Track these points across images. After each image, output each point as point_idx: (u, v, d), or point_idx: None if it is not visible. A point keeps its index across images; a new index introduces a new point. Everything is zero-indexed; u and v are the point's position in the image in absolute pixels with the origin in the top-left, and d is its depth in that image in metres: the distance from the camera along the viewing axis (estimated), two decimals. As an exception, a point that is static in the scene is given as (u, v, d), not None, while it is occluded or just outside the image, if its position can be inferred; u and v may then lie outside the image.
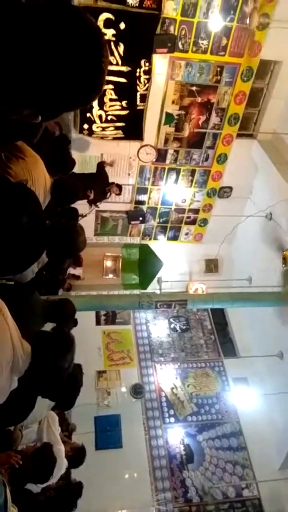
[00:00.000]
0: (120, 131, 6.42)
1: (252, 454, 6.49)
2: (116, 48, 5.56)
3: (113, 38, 5.45)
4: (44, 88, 0.77)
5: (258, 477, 6.28)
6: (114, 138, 6.50)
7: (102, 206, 6.77)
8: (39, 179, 2.52)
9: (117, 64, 5.67)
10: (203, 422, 6.75)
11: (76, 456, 3.52)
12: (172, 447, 6.46)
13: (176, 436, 6.56)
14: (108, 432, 6.27)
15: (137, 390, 6.90)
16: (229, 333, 8.17)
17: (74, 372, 2.00)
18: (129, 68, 5.77)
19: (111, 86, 5.87)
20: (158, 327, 7.97)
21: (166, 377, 7.20)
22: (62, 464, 3.10)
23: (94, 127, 6.29)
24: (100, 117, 6.18)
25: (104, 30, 5.35)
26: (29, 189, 1.48)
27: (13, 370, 1.38)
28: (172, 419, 6.74)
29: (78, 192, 3.27)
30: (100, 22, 5.27)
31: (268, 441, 6.45)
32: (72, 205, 5.28)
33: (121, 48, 5.58)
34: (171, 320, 8.10)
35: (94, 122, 6.22)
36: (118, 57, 5.63)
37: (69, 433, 4.52)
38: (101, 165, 6.32)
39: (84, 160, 6.59)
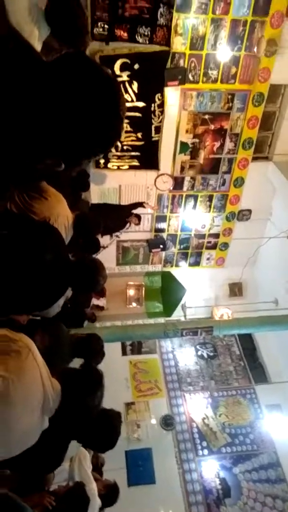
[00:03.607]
0: (135, 160, 6.57)
1: (292, 487, 6.15)
2: (131, 86, 5.79)
3: (128, 79, 5.69)
4: (67, 139, 0.81)
5: (301, 512, 5.92)
6: (130, 167, 6.64)
7: (123, 236, 6.87)
8: (61, 216, 2.59)
9: (132, 101, 5.88)
10: (238, 453, 6.47)
11: (109, 494, 3.42)
12: (207, 481, 6.19)
13: (210, 469, 6.29)
14: (140, 467, 6.08)
15: (167, 422, 6.71)
16: (258, 358, 7.93)
17: (114, 421, 1.99)
18: (143, 104, 5.96)
19: (126, 120, 6.06)
20: (185, 355, 7.82)
21: (196, 407, 6.99)
22: (95, 504, 3.02)
23: (109, 155, 6.46)
24: (115, 147, 6.36)
25: (120, 73, 5.61)
26: (52, 227, 1.52)
27: (44, 410, 1.38)
28: (206, 451, 6.49)
29: (99, 226, 3.34)
30: (116, 67, 5.53)
31: (309, 472, 6.11)
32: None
33: (135, 86, 5.80)
34: (198, 347, 7.94)
35: (110, 151, 6.39)
36: (132, 95, 5.85)
37: (99, 469, 4.41)
38: (140, 205, 6.50)
39: (103, 193, 6.75)
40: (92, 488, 3.08)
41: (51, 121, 0.78)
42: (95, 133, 0.81)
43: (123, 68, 5.61)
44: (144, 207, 6.58)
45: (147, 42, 5.51)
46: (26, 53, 0.82)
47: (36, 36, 1.89)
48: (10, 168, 0.85)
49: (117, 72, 5.60)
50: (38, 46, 1.91)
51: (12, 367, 1.25)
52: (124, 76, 5.67)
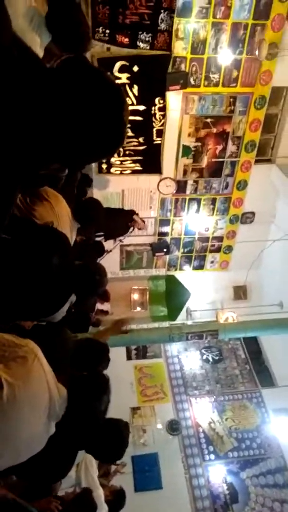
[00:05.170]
0: (138, 164, 6.58)
1: (300, 491, 6.08)
2: (131, 90, 5.80)
3: (128, 81, 5.70)
4: (71, 145, 0.81)
5: (309, 517, 5.85)
6: (133, 172, 6.65)
7: (126, 240, 6.87)
8: (63, 215, 2.59)
9: (132, 104, 5.90)
10: (245, 458, 6.42)
11: (116, 500, 3.40)
12: (214, 486, 6.14)
13: (218, 474, 6.24)
14: (147, 472, 6.04)
15: (173, 427, 6.67)
16: (264, 361, 7.89)
17: (122, 431, 1.98)
18: (144, 107, 5.98)
19: (128, 125, 6.07)
20: (190, 359, 7.79)
21: (202, 411, 6.95)
22: (102, 510, 3.00)
23: (112, 160, 6.47)
24: (118, 152, 6.37)
25: (118, 75, 5.62)
26: (57, 232, 1.52)
27: (50, 415, 1.38)
28: (212, 456, 6.44)
29: (99, 210, 3.33)
30: (115, 69, 5.55)
31: None
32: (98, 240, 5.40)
33: (136, 89, 5.81)
34: (203, 351, 7.91)
35: (113, 156, 6.41)
36: (133, 98, 5.86)
37: (107, 475, 4.38)
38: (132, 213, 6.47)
39: (106, 197, 6.76)
40: (99, 494, 3.06)
41: (56, 127, 0.78)
42: (99, 139, 0.81)
43: (122, 70, 5.62)
44: (134, 220, 6.50)
45: (148, 48, 5.54)
46: (30, 61, 0.83)
47: (37, 43, 1.90)
48: (16, 173, 0.85)
49: (116, 74, 5.62)
50: (40, 53, 1.92)
51: (18, 373, 1.24)
52: (124, 78, 5.68)
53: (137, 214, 6.41)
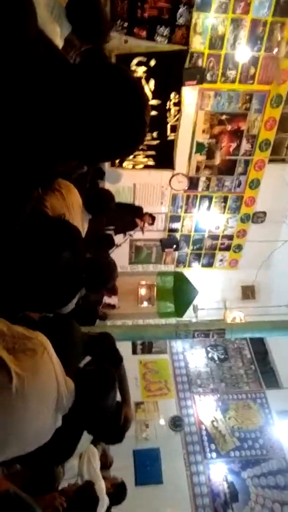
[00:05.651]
0: (151, 159, 6.56)
1: (301, 494, 6.06)
2: (147, 84, 5.77)
3: (144, 75, 5.67)
4: (92, 142, 0.81)
5: (309, 519, 5.84)
6: (145, 166, 6.63)
7: (136, 235, 6.87)
8: (75, 206, 2.59)
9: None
10: (247, 458, 6.41)
11: (117, 493, 3.43)
12: (215, 484, 6.15)
13: (219, 473, 6.25)
14: (148, 467, 6.07)
15: (176, 423, 6.69)
16: (270, 362, 7.85)
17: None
18: (159, 102, 5.94)
19: (142, 120, 6.05)
20: (196, 357, 7.78)
21: (205, 409, 6.95)
22: (103, 502, 3.02)
23: (124, 154, 6.45)
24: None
25: (135, 68, 5.59)
26: (69, 224, 1.52)
27: (58, 408, 1.38)
28: (214, 454, 6.44)
29: (111, 200, 3.32)
30: (133, 63, 5.52)
31: None
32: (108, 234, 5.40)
33: (152, 83, 5.78)
34: (209, 349, 7.90)
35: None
36: (149, 92, 5.82)
37: (108, 468, 4.40)
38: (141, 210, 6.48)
39: (118, 191, 6.75)
40: (101, 487, 3.09)
41: (76, 125, 0.78)
42: (120, 137, 0.81)
43: (139, 64, 5.59)
44: (144, 216, 6.54)
45: (166, 42, 5.50)
46: (55, 57, 0.82)
47: (58, 34, 1.89)
48: (36, 171, 0.86)
49: (133, 67, 5.58)
50: (59, 44, 1.91)
51: (27, 365, 1.25)
52: (140, 72, 5.64)
53: (146, 215, 6.44)
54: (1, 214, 0.91)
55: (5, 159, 0.79)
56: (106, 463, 4.26)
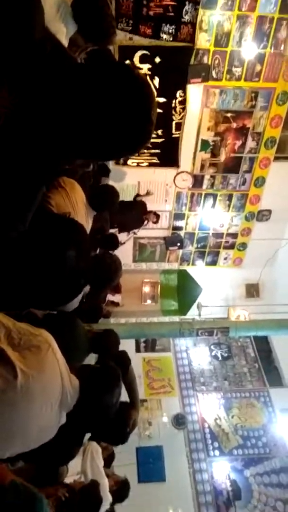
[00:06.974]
0: (155, 157, 6.54)
1: (304, 492, 6.06)
2: (152, 81, 5.75)
3: (149, 72, 5.65)
4: (99, 141, 0.81)
5: (312, 518, 5.84)
6: (150, 164, 6.62)
7: (140, 233, 6.86)
8: (79, 202, 2.59)
9: (152, 96, 5.85)
10: (250, 456, 6.42)
11: (120, 490, 3.43)
12: (217, 482, 6.16)
13: (221, 471, 6.26)
14: (151, 464, 6.09)
15: (179, 421, 6.70)
16: (273, 360, 7.83)
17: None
18: (164, 100, 5.92)
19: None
20: (199, 355, 7.78)
21: (209, 407, 6.95)
22: (106, 500, 3.03)
23: (130, 152, 6.45)
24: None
25: (139, 65, 5.57)
26: (75, 222, 1.53)
27: (62, 406, 1.39)
28: (217, 452, 6.45)
29: (114, 195, 3.31)
30: (136, 58, 5.50)
31: None
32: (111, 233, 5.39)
33: (157, 81, 5.76)
34: (212, 347, 7.89)
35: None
36: (153, 90, 5.80)
37: (109, 464, 4.41)
38: (136, 197, 6.48)
39: (122, 189, 6.74)
40: (104, 484, 3.10)
41: (83, 124, 0.78)
42: (126, 136, 0.81)
43: (143, 60, 5.56)
44: (148, 213, 6.55)
45: (171, 39, 5.47)
46: (62, 56, 0.83)
47: (63, 33, 1.89)
48: (43, 169, 0.86)
49: (137, 64, 5.56)
50: (65, 43, 1.91)
51: (32, 362, 1.25)
52: (145, 69, 5.62)
53: (150, 213, 6.44)
54: (10, 212, 0.92)
55: (14, 157, 0.80)
56: (108, 460, 4.27)
